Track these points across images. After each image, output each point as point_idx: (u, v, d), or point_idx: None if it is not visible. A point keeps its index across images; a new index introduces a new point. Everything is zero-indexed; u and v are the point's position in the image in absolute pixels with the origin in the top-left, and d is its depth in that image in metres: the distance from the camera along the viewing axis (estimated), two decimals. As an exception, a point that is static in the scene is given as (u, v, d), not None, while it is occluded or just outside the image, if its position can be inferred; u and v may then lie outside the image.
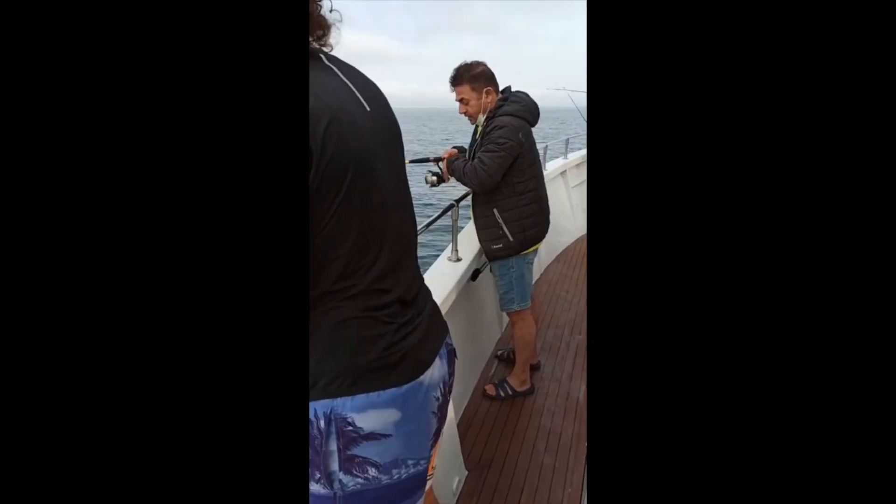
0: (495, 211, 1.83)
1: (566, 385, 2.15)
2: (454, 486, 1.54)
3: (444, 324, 0.81)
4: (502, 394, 2.05)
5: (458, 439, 1.68)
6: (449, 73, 1.86)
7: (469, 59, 1.84)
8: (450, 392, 0.81)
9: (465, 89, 1.81)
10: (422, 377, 0.71)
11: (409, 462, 0.72)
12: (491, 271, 2.01)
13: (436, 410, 0.75)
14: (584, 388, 2.12)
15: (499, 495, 1.56)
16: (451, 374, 0.81)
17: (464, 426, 1.87)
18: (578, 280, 3.33)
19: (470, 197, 1.97)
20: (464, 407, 1.99)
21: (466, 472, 1.64)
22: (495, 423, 1.91)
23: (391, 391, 0.68)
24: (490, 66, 1.83)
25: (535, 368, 2.24)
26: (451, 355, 0.82)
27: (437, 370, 0.75)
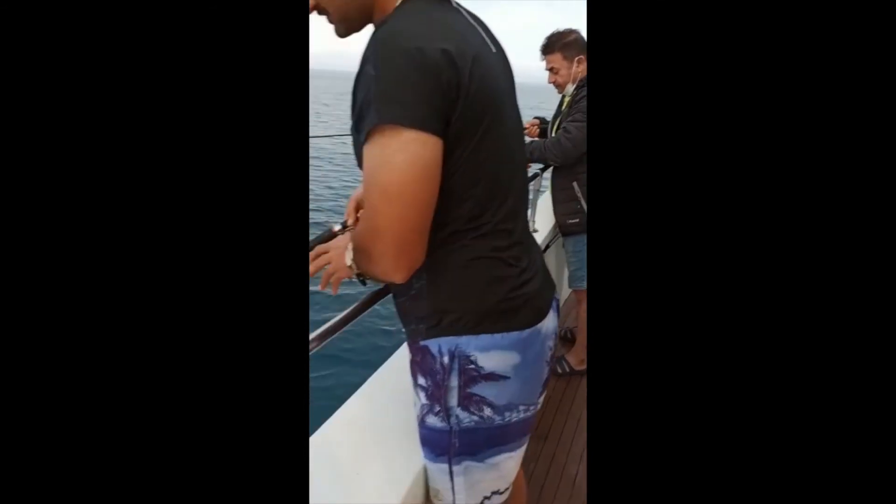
0: (575, 184, 1.80)
1: None
2: None
3: (552, 280, 0.83)
4: (559, 370, 2.05)
5: None
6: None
7: (562, 27, 1.80)
8: (556, 347, 0.83)
9: (557, 58, 1.76)
10: (539, 325, 0.72)
11: (521, 407, 0.74)
12: (563, 247, 1.99)
13: (548, 360, 0.77)
14: None
15: (556, 464, 1.58)
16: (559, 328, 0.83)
17: None
18: None
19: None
20: None
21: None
22: (551, 397, 1.91)
23: (514, 334, 0.69)
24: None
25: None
26: (558, 310, 0.83)
27: (550, 321, 0.76)
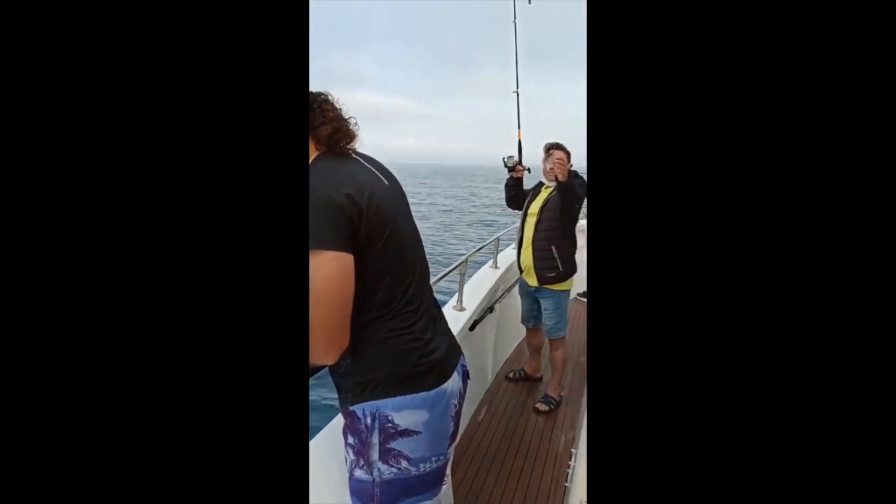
0: (553, 248, 2.40)
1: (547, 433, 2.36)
2: None
3: (459, 347, 0.99)
4: (552, 405, 2.54)
5: (449, 475, 1.75)
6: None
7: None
8: (462, 406, 0.97)
9: (563, 155, 2.40)
10: (444, 385, 0.88)
11: (433, 458, 0.88)
12: (541, 304, 2.54)
13: (454, 416, 0.92)
14: (563, 439, 2.27)
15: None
16: (464, 389, 0.98)
17: (454, 461, 2.01)
18: None
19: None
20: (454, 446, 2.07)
21: None
22: (484, 458, 2.09)
23: (422, 395, 0.84)
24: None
25: (540, 380, 2.81)
26: (466, 375, 0.99)
27: (455, 383, 0.92)
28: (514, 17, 2.94)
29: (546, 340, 2.64)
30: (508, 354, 3.16)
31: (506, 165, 2.55)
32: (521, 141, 2.59)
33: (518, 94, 2.80)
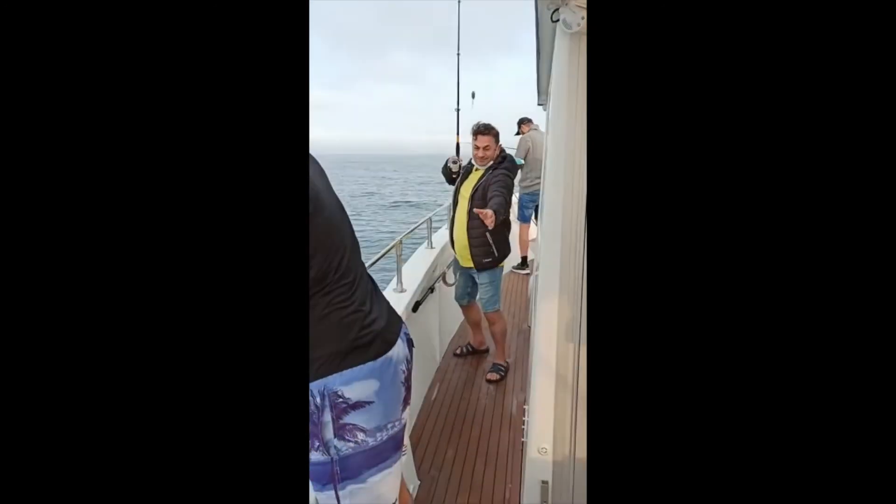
0: (487, 234, 2.46)
1: (499, 399, 2.47)
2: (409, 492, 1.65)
3: (398, 315, 1.00)
4: (502, 372, 2.68)
5: (410, 452, 1.79)
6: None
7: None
8: (411, 371, 0.98)
9: (490, 139, 2.44)
10: (390, 353, 0.89)
11: (389, 425, 0.88)
12: (477, 280, 2.64)
13: (403, 381, 0.93)
14: (515, 401, 2.40)
15: (451, 494, 1.81)
16: (411, 356, 0.98)
17: (414, 441, 2.05)
18: None
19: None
20: (412, 427, 2.14)
21: (419, 482, 1.83)
22: (442, 433, 2.17)
23: (369, 364, 0.85)
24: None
25: (486, 352, 2.94)
26: (410, 343, 1.00)
27: (400, 349, 0.92)
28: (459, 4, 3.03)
29: (483, 314, 2.74)
30: (454, 332, 3.26)
31: (449, 168, 2.66)
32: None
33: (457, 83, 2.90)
